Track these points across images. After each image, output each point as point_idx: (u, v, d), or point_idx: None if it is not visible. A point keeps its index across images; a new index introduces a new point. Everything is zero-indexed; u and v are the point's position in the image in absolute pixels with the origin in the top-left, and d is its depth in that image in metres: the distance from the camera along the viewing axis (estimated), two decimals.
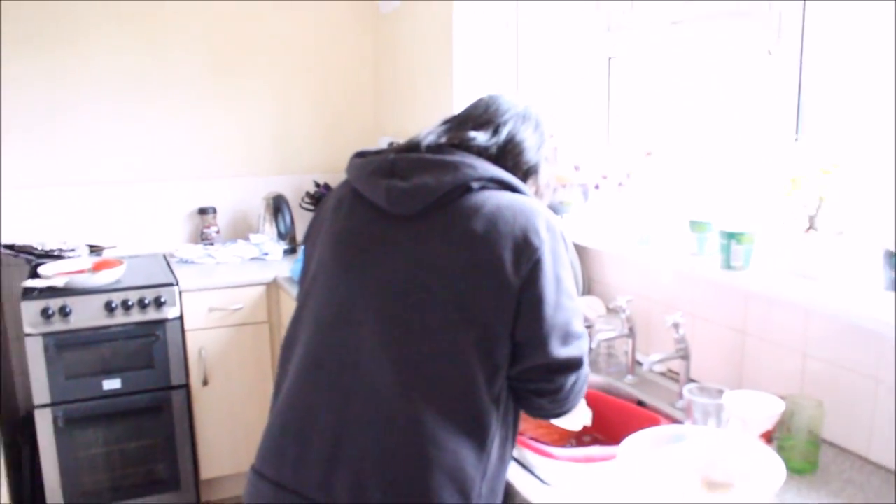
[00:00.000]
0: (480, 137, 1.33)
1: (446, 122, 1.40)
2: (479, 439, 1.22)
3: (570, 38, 2.60)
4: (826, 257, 1.57)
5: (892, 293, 1.48)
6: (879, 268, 1.51)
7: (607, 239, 2.08)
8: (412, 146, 1.33)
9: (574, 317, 1.26)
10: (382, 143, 3.48)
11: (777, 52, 1.82)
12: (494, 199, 1.25)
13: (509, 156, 1.35)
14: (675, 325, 1.74)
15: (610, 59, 2.44)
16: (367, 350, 1.23)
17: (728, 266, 1.68)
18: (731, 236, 1.66)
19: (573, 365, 1.26)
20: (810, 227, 1.63)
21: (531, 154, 1.39)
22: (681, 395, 1.78)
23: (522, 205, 1.25)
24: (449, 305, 1.21)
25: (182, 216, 3.43)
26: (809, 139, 1.62)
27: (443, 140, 1.33)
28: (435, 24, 2.95)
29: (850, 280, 1.56)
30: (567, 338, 1.24)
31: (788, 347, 1.65)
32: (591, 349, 1.30)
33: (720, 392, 1.44)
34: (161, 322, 2.83)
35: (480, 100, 1.42)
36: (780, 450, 1.45)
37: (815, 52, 1.78)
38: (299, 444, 1.26)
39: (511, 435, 1.31)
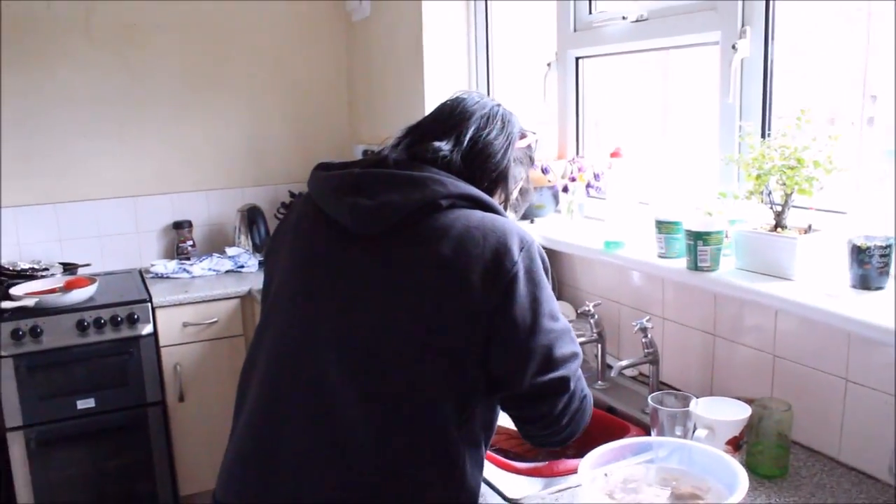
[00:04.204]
0: (444, 147, 1.26)
1: (409, 131, 1.32)
2: (448, 468, 1.18)
3: (538, 39, 2.57)
4: (793, 255, 1.53)
5: (858, 290, 1.45)
6: (846, 264, 1.48)
7: (576, 242, 2.04)
8: (379, 160, 1.26)
9: (558, 340, 1.17)
10: (357, 151, 3.44)
11: (742, 47, 1.79)
12: (464, 218, 1.17)
13: (475, 162, 1.28)
14: (643, 330, 1.70)
15: (578, 59, 2.40)
16: (330, 381, 1.17)
17: (695, 267, 1.64)
18: (698, 236, 1.62)
19: (555, 389, 1.17)
20: (777, 225, 1.60)
21: (498, 158, 1.31)
22: None
23: (493, 224, 1.18)
24: (416, 333, 1.15)
25: (157, 231, 3.38)
26: (775, 135, 1.58)
27: (408, 153, 1.27)
28: (405, 30, 2.93)
29: (818, 278, 1.53)
30: (548, 363, 1.16)
31: (758, 349, 1.62)
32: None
33: (687, 398, 1.40)
34: (135, 339, 2.78)
35: (445, 103, 1.35)
36: (750, 455, 1.42)
37: (782, 47, 1.75)
38: (262, 476, 1.22)
39: (484, 449, 1.27)
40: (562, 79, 2.46)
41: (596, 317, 1.87)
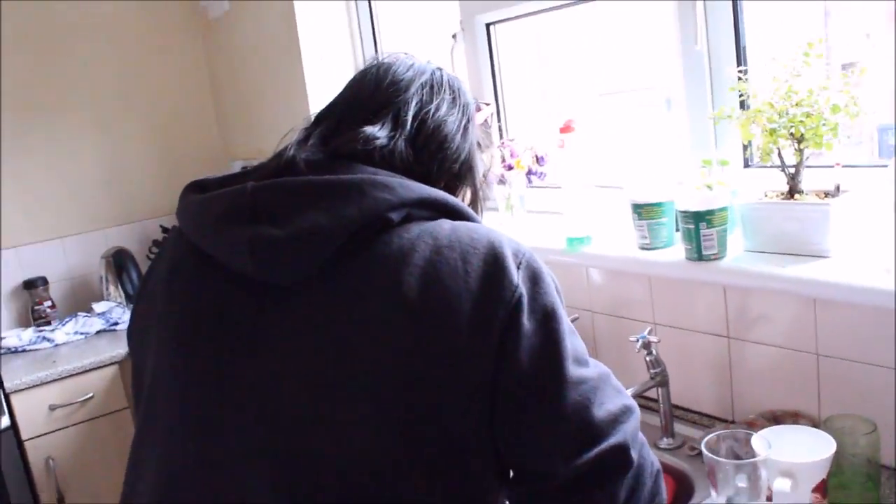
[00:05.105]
0: (379, 133, 0.86)
1: (321, 118, 0.92)
2: None
3: (436, 9, 2.18)
4: (826, 226, 1.21)
5: None
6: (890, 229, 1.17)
7: (527, 243, 1.66)
8: (283, 166, 0.84)
9: (596, 393, 0.79)
10: (235, 169, 2.96)
11: None
12: (428, 234, 0.79)
13: (426, 152, 0.89)
14: (647, 345, 1.34)
15: (488, 25, 2.03)
16: None
17: (699, 256, 1.30)
18: (699, 217, 1.28)
19: (610, 468, 0.78)
20: (793, 191, 1.27)
21: (457, 142, 0.91)
22: (665, 430, 1.39)
23: (472, 237, 0.80)
24: (383, 425, 0.75)
25: (4, 295, 2.79)
26: (782, 77, 1.25)
27: (325, 149, 0.86)
28: (274, 21, 2.50)
29: (858, 253, 1.21)
30: (589, 431, 0.77)
31: (794, 348, 1.28)
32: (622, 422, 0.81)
33: (745, 437, 1.04)
34: None
35: (365, 73, 0.94)
36: (831, 489, 1.07)
37: None
38: None
39: None
40: (471, 51, 2.08)
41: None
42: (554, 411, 0.77)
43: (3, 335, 2.64)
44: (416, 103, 0.90)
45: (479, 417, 0.77)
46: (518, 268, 0.79)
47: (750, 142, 1.41)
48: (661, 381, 1.35)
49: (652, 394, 1.40)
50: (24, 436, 2.28)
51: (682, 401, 1.45)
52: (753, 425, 1.24)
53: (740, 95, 1.37)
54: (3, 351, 2.58)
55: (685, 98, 1.55)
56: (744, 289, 1.32)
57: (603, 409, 0.79)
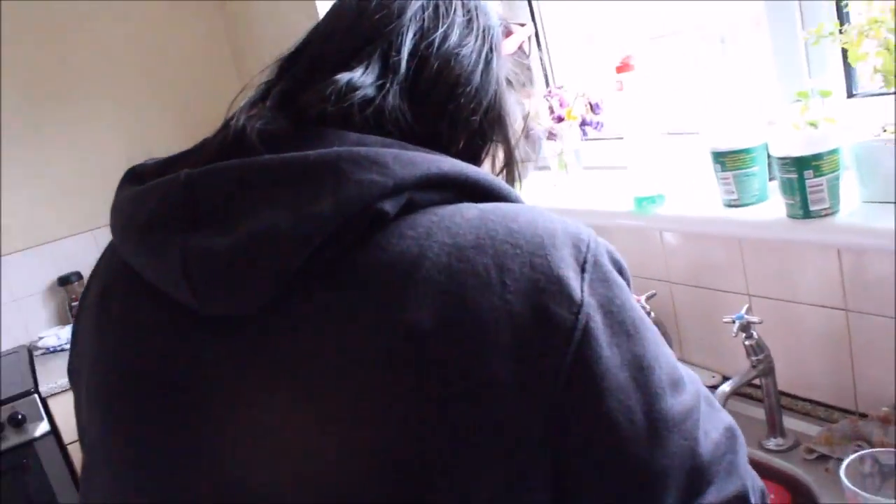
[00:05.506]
0: (362, 80, 0.60)
1: (285, 66, 0.66)
2: None
3: None
4: None
5: None
6: None
7: (586, 206, 1.42)
8: (232, 140, 0.59)
9: (698, 424, 0.56)
10: None
11: None
12: (443, 231, 0.53)
13: (430, 103, 0.62)
14: (745, 327, 1.09)
15: None
16: None
17: (805, 212, 1.04)
18: (803, 164, 1.02)
19: None
20: None
21: (475, 82, 0.63)
22: (773, 428, 1.14)
23: (512, 230, 0.54)
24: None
25: (40, 293, 2.68)
26: None
27: (286, 112, 0.60)
28: None
29: None
30: (698, 477, 0.55)
31: None
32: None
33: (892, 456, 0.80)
34: (27, 445, 2.12)
35: (342, 1, 0.67)
36: None
37: None
38: None
39: None
40: None
41: (652, 314, 1.25)
42: (651, 467, 0.53)
43: (40, 335, 2.54)
44: (415, 33, 0.62)
45: (528, 478, 0.54)
46: (583, 270, 0.53)
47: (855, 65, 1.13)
48: (765, 369, 1.10)
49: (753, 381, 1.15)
50: (66, 439, 2.17)
51: (789, 387, 1.20)
52: (888, 421, 1.00)
53: (844, 5, 1.10)
54: (40, 352, 2.48)
55: (767, 19, 1.27)
56: (865, 250, 1.05)
57: (708, 440, 0.56)
